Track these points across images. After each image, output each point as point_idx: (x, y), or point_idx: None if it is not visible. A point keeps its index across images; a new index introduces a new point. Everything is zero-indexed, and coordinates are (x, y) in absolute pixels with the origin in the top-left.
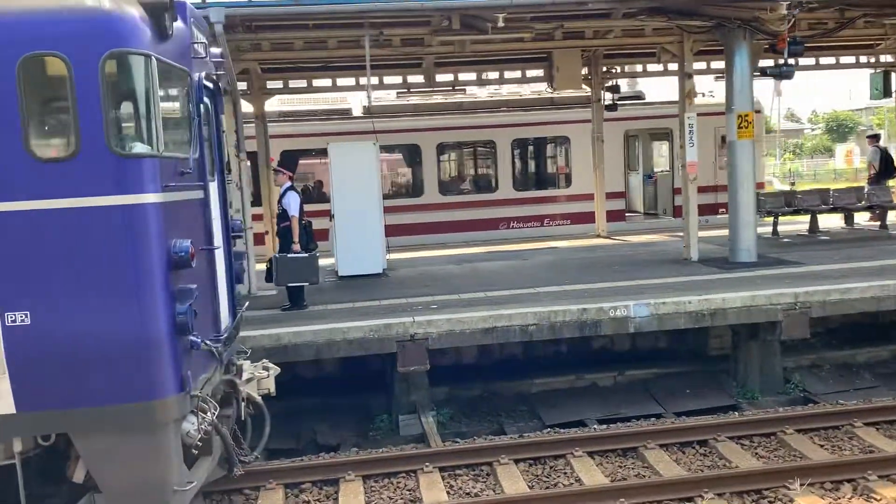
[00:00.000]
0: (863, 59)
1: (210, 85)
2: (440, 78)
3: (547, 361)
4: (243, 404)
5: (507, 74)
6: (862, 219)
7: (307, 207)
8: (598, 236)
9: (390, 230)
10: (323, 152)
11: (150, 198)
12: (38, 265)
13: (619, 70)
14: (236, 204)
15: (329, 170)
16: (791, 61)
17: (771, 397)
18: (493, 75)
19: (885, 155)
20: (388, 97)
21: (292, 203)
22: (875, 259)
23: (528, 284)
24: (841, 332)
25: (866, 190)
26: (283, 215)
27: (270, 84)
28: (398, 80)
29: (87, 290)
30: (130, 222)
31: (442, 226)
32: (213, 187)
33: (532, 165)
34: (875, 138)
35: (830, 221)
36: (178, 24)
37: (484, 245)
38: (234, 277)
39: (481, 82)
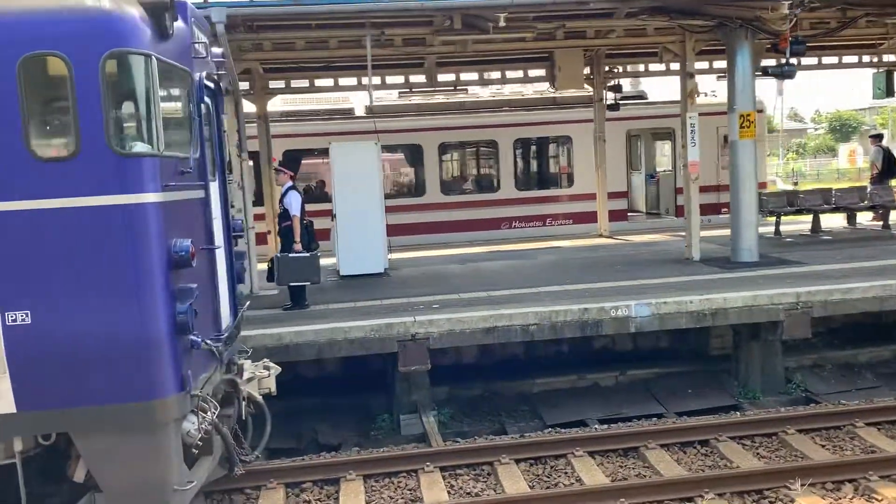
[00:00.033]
0: (865, 58)
1: (211, 85)
2: (442, 78)
3: (548, 361)
4: (244, 404)
5: (509, 74)
6: (864, 219)
7: (310, 207)
8: (601, 236)
9: (393, 230)
10: (325, 152)
11: (151, 197)
12: (38, 265)
13: (621, 70)
14: (238, 204)
15: (330, 169)
16: (793, 61)
17: (772, 397)
18: (496, 75)
19: (887, 154)
20: (390, 97)
21: (294, 202)
22: (877, 259)
23: (529, 284)
24: (843, 332)
25: (869, 190)
26: (285, 215)
27: (273, 84)
28: (400, 79)
29: (88, 289)
30: (131, 222)
31: (444, 225)
32: (214, 187)
33: (534, 165)
34: (878, 138)
35: (833, 221)
36: (179, 23)
37: (486, 245)
38: (236, 277)
39: (483, 82)
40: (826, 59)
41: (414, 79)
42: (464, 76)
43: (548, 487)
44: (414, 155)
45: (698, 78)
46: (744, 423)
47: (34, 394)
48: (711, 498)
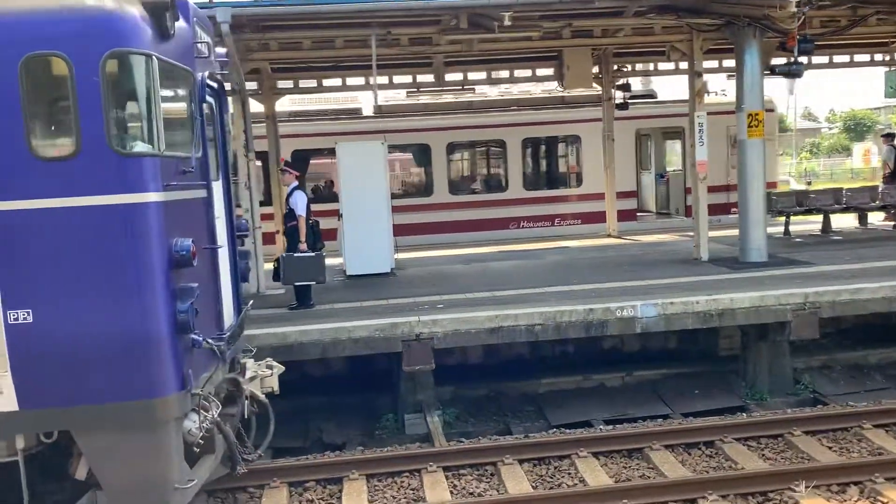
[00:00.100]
0: (878, 56)
1: (214, 84)
2: (450, 77)
3: (554, 361)
4: (247, 402)
5: (518, 73)
6: (876, 219)
7: (318, 207)
8: (609, 236)
9: (400, 230)
10: (334, 152)
11: (152, 197)
12: (40, 263)
13: (629, 68)
14: (245, 203)
15: (337, 169)
16: (803, 59)
17: (780, 398)
18: (504, 75)
19: None
20: (398, 97)
21: (299, 202)
22: (888, 259)
23: (535, 284)
24: (853, 333)
25: (880, 189)
26: (291, 214)
27: (281, 84)
28: (408, 79)
29: (89, 288)
30: (131, 221)
31: (452, 225)
32: (218, 186)
33: (542, 164)
34: (890, 137)
35: (844, 221)
36: (181, 23)
37: (494, 245)
38: (240, 276)
39: (491, 81)
40: (837, 58)
41: (421, 78)
42: (472, 75)
43: (551, 488)
44: (422, 155)
45: (708, 77)
46: (749, 424)
47: (36, 392)
48: (715, 499)
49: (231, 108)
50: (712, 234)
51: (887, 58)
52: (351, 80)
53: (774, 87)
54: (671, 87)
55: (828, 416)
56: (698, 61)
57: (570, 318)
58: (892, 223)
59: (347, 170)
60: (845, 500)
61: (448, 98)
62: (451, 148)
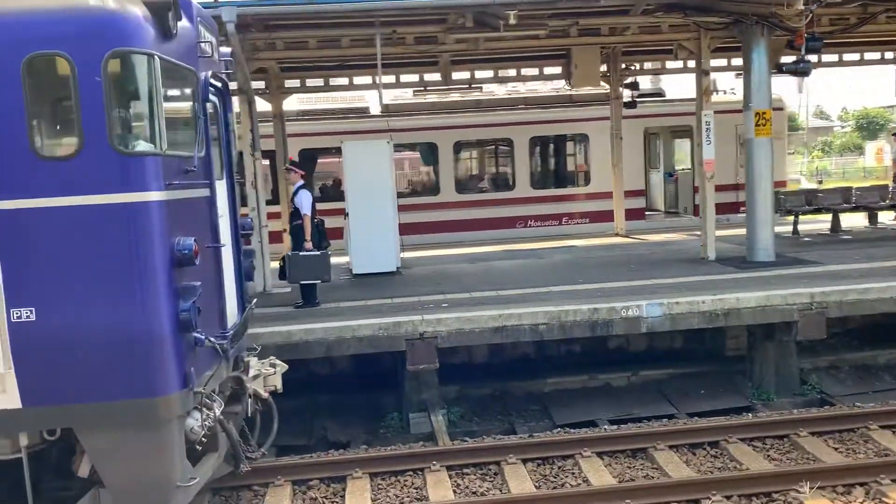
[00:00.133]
0: (888, 55)
1: (218, 84)
2: (457, 76)
3: (560, 361)
4: (250, 401)
5: (525, 72)
6: (887, 218)
7: (326, 206)
8: (617, 235)
9: (407, 229)
10: (340, 151)
11: (153, 196)
12: (42, 262)
13: (637, 67)
14: (251, 202)
15: (343, 168)
16: (811, 58)
17: (787, 399)
18: (511, 73)
19: None
20: (405, 95)
21: (304, 201)
22: None
23: (541, 283)
24: (861, 333)
25: (890, 188)
26: (296, 213)
27: (288, 83)
28: (415, 78)
29: (91, 286)
30: (133, 220)
31: (459, 224)
32: (221, 185)
33: (550, 163)
34: None
35: (854, 221)
36: (184, 23)
37: (501, 244)
38: (244, 275)
39: (498, 80)
40: (847, 56)
41: (428, 77)
42: (479, 74)
43: (554, 488)
44: (429, 153)
45: (718, 75)
46: (755, 424)
47: (39, 390)
48: (719, 500)
49: (237, 108)
50: (721, 233)
51: None
52: (358, 80)
53: (784, 86)
54: (680, 85)
55: (834, 417)
56: (706, 60)
57: (575, 317)
58: None
59: (353, 169)
60: (850, 502)
61: (455, 97)
62: (458, 147)
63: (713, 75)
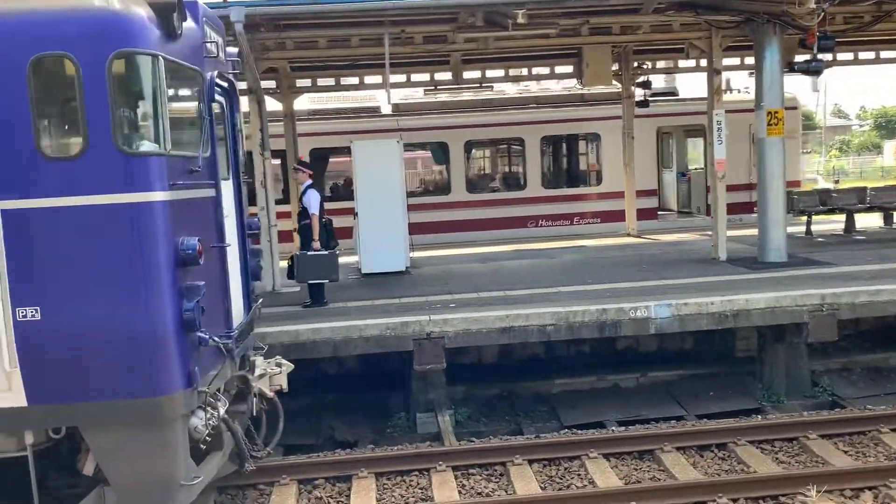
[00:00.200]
0: None
1: (224, 84)
2: (468, 75)
3: (569, 362)
4: (256, 400)
5: (536, 71)
6: None
7: (337, 205)
8: (629, 235)
9: (418, 228)
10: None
11: (158, 196)
12: (47, 261)
13: (650, 66)
14: (261, 202)
15: (353, 167)
16: (824, 56)
17: (797, 401)
18: (522, 72)
19: None
20: (416, 95)
21: (312, 201)
22: None
23: (550, 284)
24: (874, 335)
25: None
26: (304, 213)
27: (299, 82)
28: (425, 77)
29: (95, 286)
30: (137, 220)
31: (469, 224)
32: (227, 185)
33: (561, 163)
34: None
35: (869, 221)
36: (190, 23)
37: (511, 243)
38: (251, 274)
39: (509, 79)
40: (863, 55)
41: (439, 76)
42: (489, 73)
43: (560, 489)
44: (440, 153)
45: (731, 74)
46: (764, 427)
47: (44, 388)
48: (725, 503)
49: (247, 107)
50: (733, 233)
51: None
52: (368, 79)
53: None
54: (694, 84)
55: (844, 420)
56: (717, 59)
57: (583, 318)
58: None
59: (363, 168)
60: None
61: (466, 96)
62: (469, 146)
63: (727, 74)
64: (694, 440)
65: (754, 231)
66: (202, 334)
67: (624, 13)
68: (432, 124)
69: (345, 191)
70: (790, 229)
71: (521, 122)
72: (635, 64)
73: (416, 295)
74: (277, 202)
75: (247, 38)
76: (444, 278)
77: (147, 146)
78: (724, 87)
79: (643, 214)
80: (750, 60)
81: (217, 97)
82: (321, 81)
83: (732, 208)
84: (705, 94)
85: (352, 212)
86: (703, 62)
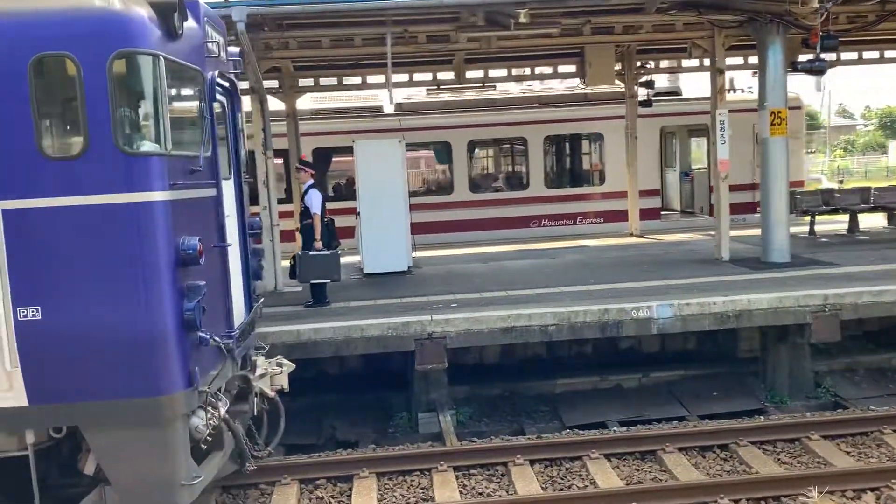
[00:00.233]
0: None
1: (226, 83)
2: (471, 74)
3: (571, 362)
4: (257, 400)
5: (539, 70)
6: None
7: (340, 205)
8: (632, 235)
9: (421, 228)
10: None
11: (158, 196)
12: (48, 261)
13: (653, 65)
14: (263, 201)
15: (355, 167)
16: (827, 56)
17: (800, 401)
18: (525, 71)
19: None
20: (419, 94)
21: (314, 200)
22: None
23: (552, 284)
24: (877, 336)
25: None
26: (306, 212)
27: (302, 82)
28: (428, 76)
29: (96, 285)
30: (138, 220)
31: (472, 224)
32: (228, 185)
33: (565, 162)
34: None
35: (873, 221)
36: (191, 23)
37: (514, 243)
38: (253, 274)
39: (512, 78)
40: (867, 54)
41: (442, 76)
42: (492, 72)
43: (561, 489)
44: (442, 152)
45: (735, 74)
46: (766, 427)
47: (45, 388)
48: (726, 503)
49: (249, 107)
50: (736, 233)
51: None
52: (371, 79)
53: (803, 84)
54: (698, 83)
55: (846, 421)
56: (720, 58)
57: (585, 318)
58: None
59: (365, 168)
60: None
61: (469, 95)
62: (472, 145)
63: (730, 73)
64: (696, 441)
65: (757, 231)
66: (203, 334)
67: (626, 13)
68: (435, 124)
69: (347, 190)
70: (793, 229)
71: (524, 121)
72: (638, 63)
73: (418, 295)
74: (280, 202)
75: (249, 37)
76: (447, 278)
77: (148, 146)
78: (727, 86)
79: (646, 214)
80: (753, 60)
81: (218, 97)
82: (324, 81)
83: (736, 208)
84: (709, 94)
85: (354, 211)
86: (707, 62)
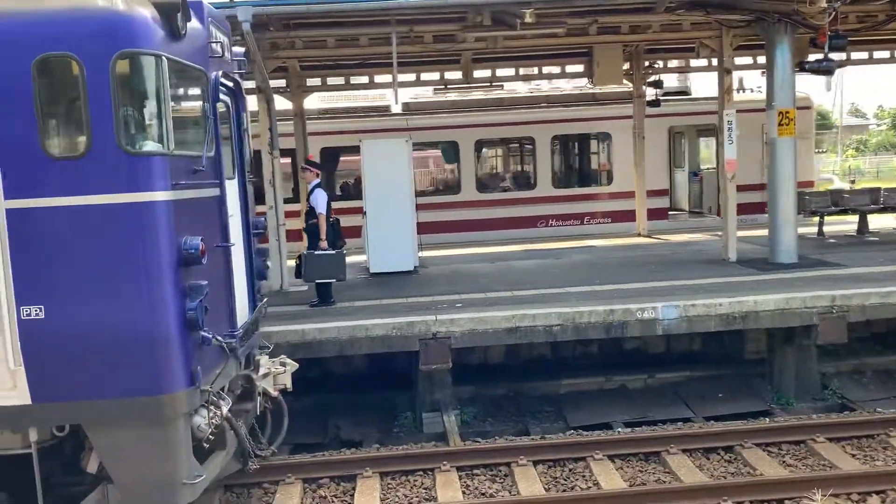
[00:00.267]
0: None
1: (230, 84)
2: (478, 74)
3: (576, 362)
4: (260, 399)
5: (547, 70)
6: None
7: (347, 204)
8: (639, 235)
9: (428, 227)
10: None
11: (160, 195)
12: (52, 260)
13: (661, 65)
14: (269, 201)
15: (362, 167)
16: (838, 56)
17: (807, 403)
18: (533, 71)
19: None
20: (426, 94)
21: (320, 200)
22: None
23: (558, 284)
24: (885, 338)
25: None
26: (312, 212)
27: (309, 81)
28: (436, 76)
29: (99, 285)
30: (140, 219)
31: (479, 223)
32: (232, 185)
33: (572, 162)
34: None
35: (883, 222)
36: (195, 23)
37: (521, 243)
38: (257, 274)
39: (519, 78)
40: (878, 54)
41: (449, 75)
42: (500, 72)
43: (564, 490)
44: (450, 152)
45: (744, 73)
46: (771, 429)
47: (48, 386)
48: None
49: (256, 106)
50: (744, 234)
51: None
52: (378, 78)
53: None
54: (707, 83)
55: (852, 423)
56: (728, 58)
57: (590, 318)
58: None
59: (372, 167)
60: None
61: (477, 95)
62: (480, 145)
63: (739, 73)
64: (700, 442)
65: (765, 232)
66: (205, 333)
67: (632, 12)
68: (442, 123)
69: (354, 190)
70: (802, 230)
71: (531, 121)
72: (646, 63)
73: (424, 295)
74: (286, 201)
75: (255, 37)
76: (452, 278)
77: (150, 146)
78: (736, 86)
79: (654, 214)
80: (762, 59)
81: (222, 97)
82: (331, 80)
83: (744, 209)
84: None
85: (361, 211)
86: (715, 61)
